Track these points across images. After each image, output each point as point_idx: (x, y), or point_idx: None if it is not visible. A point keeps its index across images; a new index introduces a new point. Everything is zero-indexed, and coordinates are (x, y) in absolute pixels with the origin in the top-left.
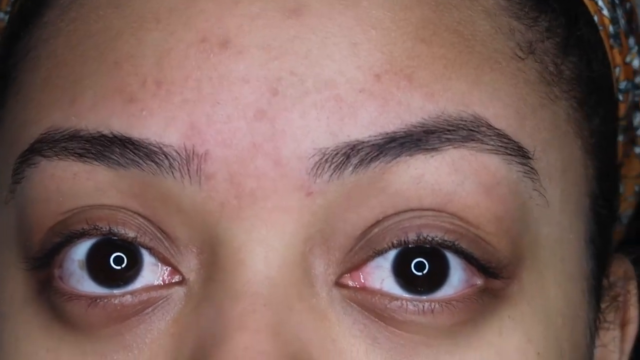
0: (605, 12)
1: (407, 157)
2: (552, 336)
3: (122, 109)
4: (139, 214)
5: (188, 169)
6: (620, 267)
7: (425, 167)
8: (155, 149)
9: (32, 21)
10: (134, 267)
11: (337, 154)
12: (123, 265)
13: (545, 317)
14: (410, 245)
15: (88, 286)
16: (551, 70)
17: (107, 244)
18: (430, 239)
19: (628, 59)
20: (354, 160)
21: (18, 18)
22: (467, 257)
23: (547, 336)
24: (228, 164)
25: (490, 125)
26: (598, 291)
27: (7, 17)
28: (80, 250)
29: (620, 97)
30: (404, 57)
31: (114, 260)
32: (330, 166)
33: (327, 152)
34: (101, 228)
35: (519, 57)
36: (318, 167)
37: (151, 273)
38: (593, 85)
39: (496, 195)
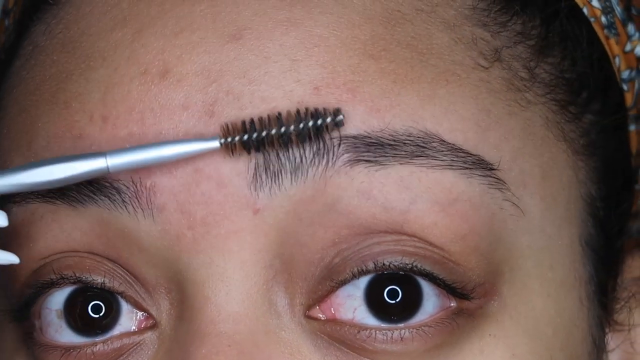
0: (595, 2)
1: (347, 168)
2: (541, 348)
3: (73, 146)
4: (108, 258)
5: (139, 202)
6: (639, 267)
7: (370, 182)
8: (106, 184)
9: (5, 72)
10: (111, 314)
11: (270, 162)
12: (101, 314)
13: (532, 330)
14: (373, 273)
15: (67, 335)
16: (522, 76)
17: (84, 293)
18: (388, 263)
19: (628, 48)
20: (289, 167)
21: None
22: (432, 279)
23: (534, 349)
24: (175, 193)
25: (443, 141)
26: (603, 295)
27: None
28: (57, 299)
29: (625, 87)
30: (348, 72)
31: (93, 309)
32: (267, 177)
33: (260, 162)
34: (69, 277)
35: (482, 66)
36: (256, 179)
37: (128, 320)
38: (581, 83)
39: (455, 213)
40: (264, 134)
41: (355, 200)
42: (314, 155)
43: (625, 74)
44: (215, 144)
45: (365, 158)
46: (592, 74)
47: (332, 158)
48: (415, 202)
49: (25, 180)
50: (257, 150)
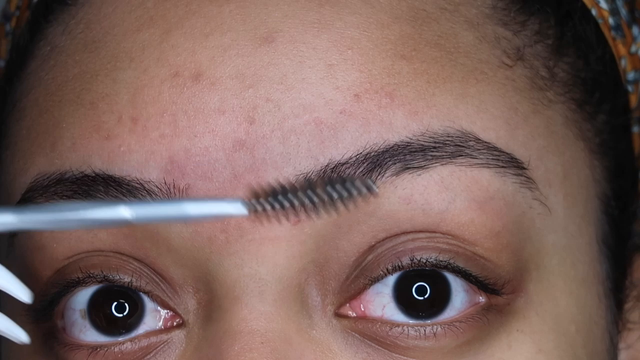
0: (602, 4)
1: (393, 178)
2: (565, 344)
3: (100, 147)
4: (134, 258)
5: None
6: None
7: (413, 187)
8: (136, 185)
9: (17, 73)
10: (135, 313)
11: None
12: (125, 313)
13: (557, 326)
14: (406, 270)
15: (91, 335)
16: (543, 75)
17: (107, 292)
18: (424, 260)
19: (633, 49)
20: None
21: (6, 71)
22: (466, 276)
23: (559, 345)
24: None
25: (479, 139)
26: (617, 293)
27: None
28: (80, 299)
29: (630, 89)
30: (384, 74)
31: (117, 308)
32: None
33: (309, 178)
34: (95, 276)
35: (507, 65)
36: None
37: (153, 319)
38: (594, 83)
39: (491, 210)
40: (294, 200)
41: (396, 206)
42: (364, 174)
43: (630, 76)
44: (242, 209)
45: (409, 166)
46: (604, 74)
47: (381, 172)
48: (454, 201)
49: (46, 217)
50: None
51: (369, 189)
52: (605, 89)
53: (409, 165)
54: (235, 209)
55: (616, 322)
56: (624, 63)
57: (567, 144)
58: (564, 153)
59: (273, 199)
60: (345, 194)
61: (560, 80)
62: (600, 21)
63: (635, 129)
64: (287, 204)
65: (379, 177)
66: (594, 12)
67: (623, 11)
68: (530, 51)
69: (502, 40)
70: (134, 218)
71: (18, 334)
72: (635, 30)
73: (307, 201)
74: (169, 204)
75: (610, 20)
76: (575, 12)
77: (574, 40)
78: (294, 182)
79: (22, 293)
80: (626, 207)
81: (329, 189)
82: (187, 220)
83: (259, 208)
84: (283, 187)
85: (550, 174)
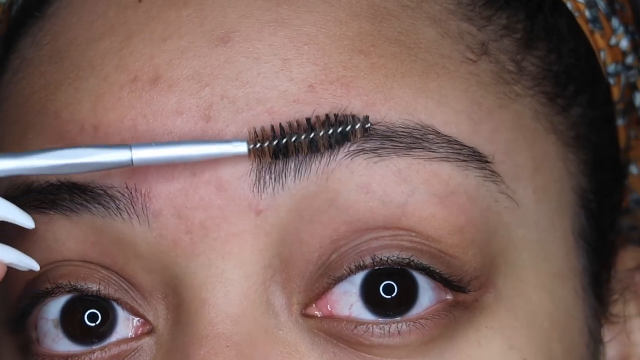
0: None
1: (348, 161)
2: (539, 339)
3: None
4: (102, 266)
5: (134, 209)
6: (632, 258)
7: (369, 175)
8: (99, 191)
9: None
10: (107, 322)
11: (275, 163)
12: (97, 322)
13: (530, 321)
14: (369, 269)
15: (64, 345)
16: (510, 69)
17: (80, 301)
18: (385, 258)
19: (613, 41)
20: (292, 164)
21: None
22: (430, 273)
23: (532, 340)
24: (172, 198)
25: (439, 133)
26: (598, 286)
27: None
28: (52, 309)
29: (611, 81)
30: (340, 67)
31: (89, 317)
32: (271, 178)
33: (264, 164)
34: (64, 286)
35: (470, 59)
36: (259, 181)
37: (125, 327)
38: (567, 76)
39: (453, 205)
40: (293, 139)
41: (354, 195)
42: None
43: (611, 68)
44: (243, 148)
45: (365, 149)
46: (578, 67)
47: (333, 153)
48: (414, 194)
49: (47, 162)
50: (286, 156)
51: (364, 125)
52: (580, 82)
53: (363, 149)
54: (237, 148)
55: (597, 316)
56: (603, 55)
57: (537, 137)
58: (533, 147)
59: (275, 139)
60: (341, 130)
61: (529, 73)
62: (576, 14)
63: (619, 122)
64: (287, 143)
65: (332, 157)
66: (569, 5)
67: (602, 3)
68: (496, 45)
69: (466, 35)
70: (136, 160)
71: (29, 263)
72: (614, 22)
73: (306, 139)
74: (170, 146)
75: (587, 13)
76: (545, 6)
77: (545, 34)
78: (293, 122)
79: (25, 219)
80: (608, 200)
81: (327, 127)
82: (189, 161)
83: (261, 147)
84: (283, 128)
85: (518, 167)
